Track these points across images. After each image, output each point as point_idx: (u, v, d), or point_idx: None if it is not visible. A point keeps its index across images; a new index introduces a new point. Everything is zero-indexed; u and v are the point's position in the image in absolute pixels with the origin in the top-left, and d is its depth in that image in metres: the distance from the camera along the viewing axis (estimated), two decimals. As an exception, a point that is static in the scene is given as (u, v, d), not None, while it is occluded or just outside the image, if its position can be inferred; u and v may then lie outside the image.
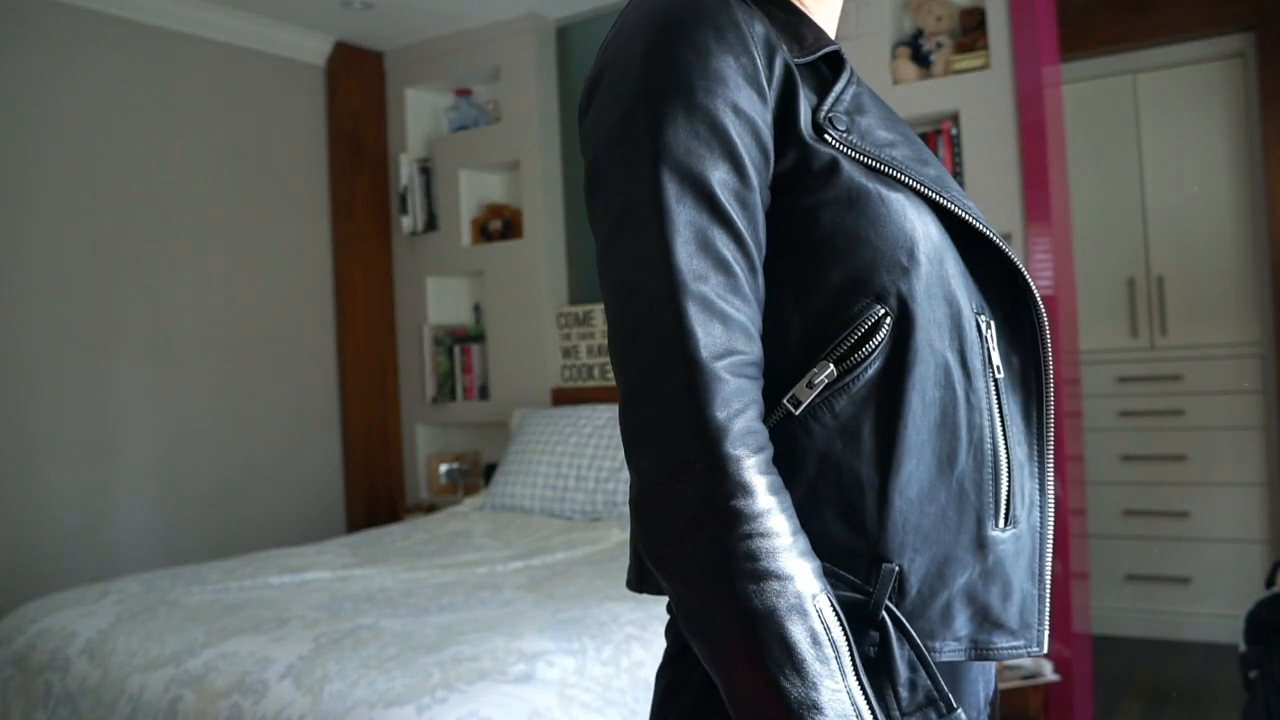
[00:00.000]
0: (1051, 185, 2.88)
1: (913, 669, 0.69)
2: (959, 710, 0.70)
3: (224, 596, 2.37)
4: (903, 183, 0.73)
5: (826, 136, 0.71)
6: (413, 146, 4.14)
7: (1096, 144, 3.84)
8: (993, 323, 0.77)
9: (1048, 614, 0.78)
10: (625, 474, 3.04)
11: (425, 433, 4.18)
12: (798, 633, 0.62)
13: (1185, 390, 3.69)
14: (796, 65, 0.73)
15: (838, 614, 0.64)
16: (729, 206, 0.67)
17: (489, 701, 1.71)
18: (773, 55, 0.71)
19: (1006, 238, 2.93)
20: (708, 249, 0.66)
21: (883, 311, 0.70)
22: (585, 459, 3.25)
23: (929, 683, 0.70)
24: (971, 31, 3.06)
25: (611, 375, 3.63)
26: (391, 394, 4.17)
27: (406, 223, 4.07)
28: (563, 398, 3.80)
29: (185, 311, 3.54)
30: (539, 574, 2.56)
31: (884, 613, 0.69)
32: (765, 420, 0.69)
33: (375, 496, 4.05)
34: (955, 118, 3.03)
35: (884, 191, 0.71)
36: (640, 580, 0.80)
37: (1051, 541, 0.79)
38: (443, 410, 4.07)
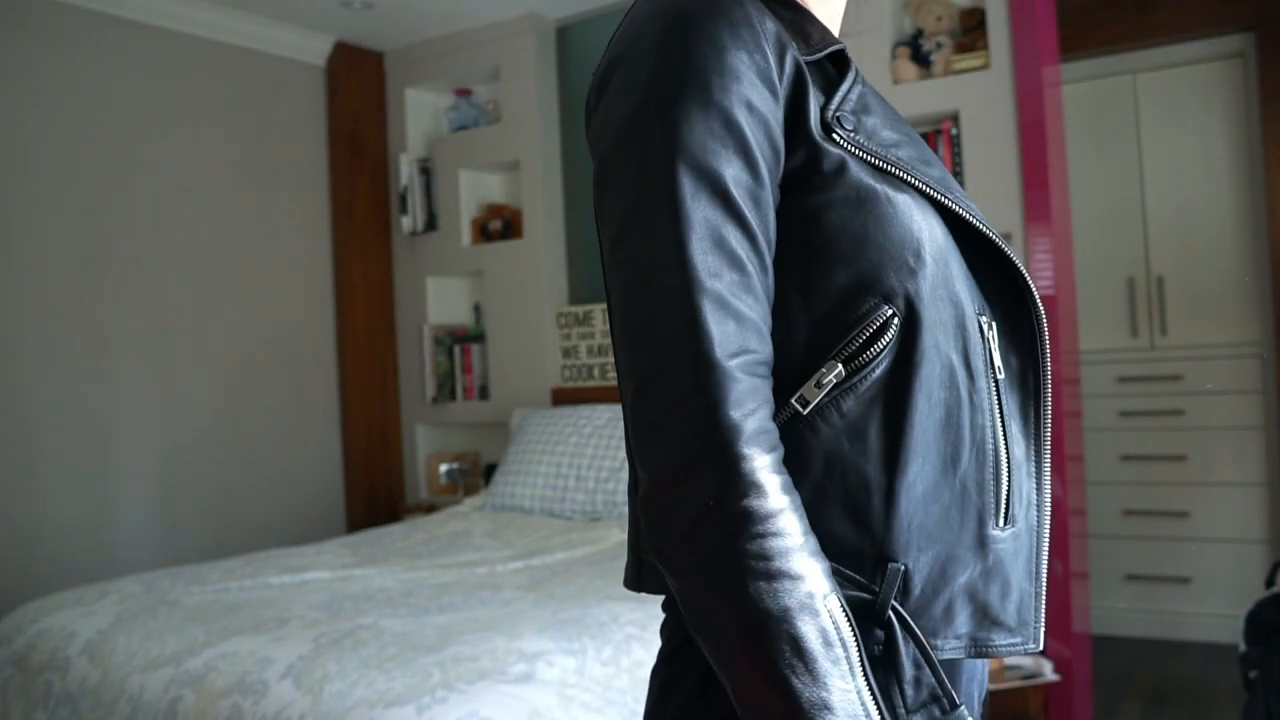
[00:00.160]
0: (1051, 185, 2.88)
1: (917, 667, 0.70)
2: (962, 707, 0.70)
3: (224, 596, 2.37)
4: (908, 183, 0.73)
5: (834, 135, 0.71)
6: (413, 146, 4.14)
7: (1096, 144, 3.84)
8: (994, 324, 0.78)
9: (1044, 612, 0.79)
10: (625, 474, 3.04)
11: (425, 433, 4.18)
12: (809, 632, 0.62)
13: (1185, 390, 3.69)
14: (808, 63, 0.73)
15: (847, 614, 0.65)
16: (743, 204, 0.67)
17: (489, 701, 1.71)
18: (783, 52, 0.71)
19: (1006, 238, 2.93)
20: (721, 246, 0.66)
21: (890, 312, 0.70)
22: (585, 459, 3.25)
23: (933, 680, 0.70)
24: (971, 31, 3.06)
25: (612, 375, 3.63)
26: (391, 394, 4.17)
27: (406, 223, 4.07)
28: (563, 398, 3.80)
29: (185, 311, 3.54)
30: (539, 574, 2.56)
31: (890, 612, 0.69)
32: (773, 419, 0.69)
33: (375, 496, 4.05)
34: (955, 118, 3.03)
35: (890, 192, 0.71)
36: (638, 579, 0.80)
37: (1048, 540, 0.80)
38: (443, 410, 4.07)
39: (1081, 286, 3.39)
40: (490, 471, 3.90)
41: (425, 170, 4.10)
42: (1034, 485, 0.79)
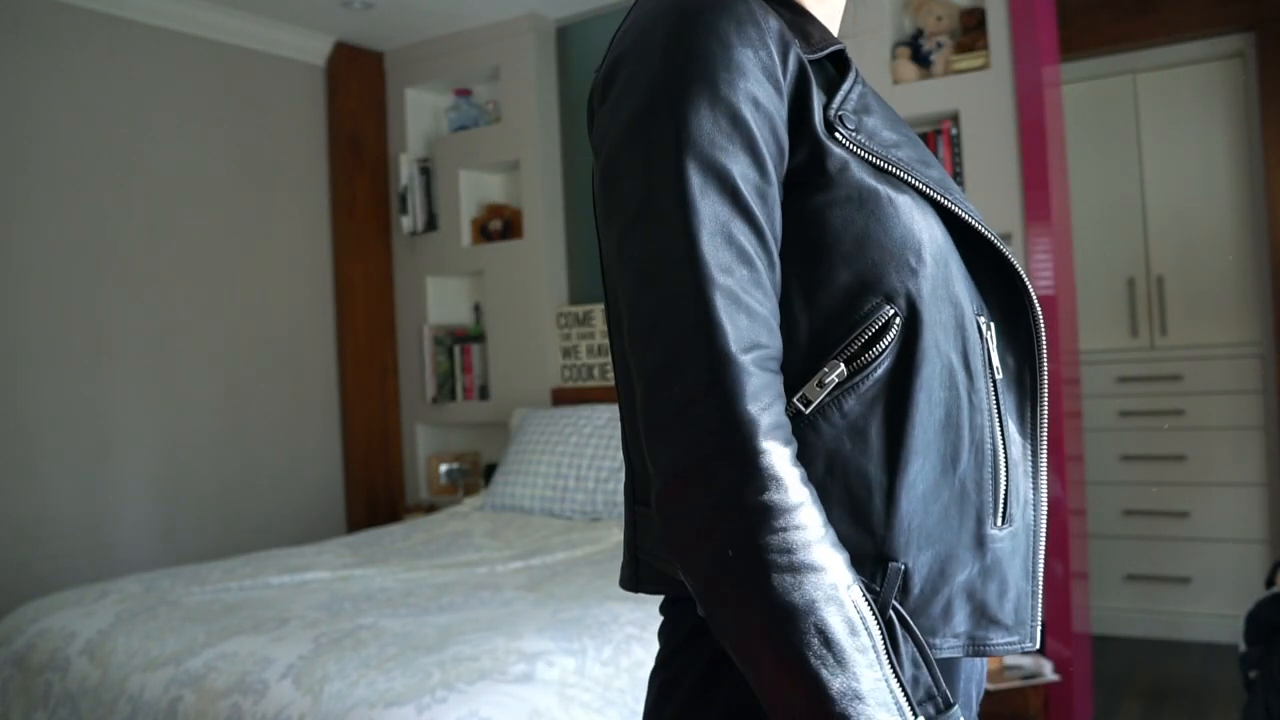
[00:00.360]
0: (1051, 185, 2.88)
1: (916, 666, 0.70)
2: (956, 707, 0.70)
3: (224, 596, 2.37)
4: (909, 184, 0.73)
5: (837, 134, 0.71)
6: (413, 146, 4.14)
7: (1096, 144, 3.84)
8: (992, 324, 0.78)
9: (1041, 611, 0.79)
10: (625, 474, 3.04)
11: (425, 433, 4.18)
12: (836, 623, 0.62)
13: (1185, 390, 3.69)
14: (812, 62, 0.73)
15: (870, 604, 0.65)
16: (751, 200, 0.67)
17: (489, 701, 1.71)
18: (787, 50, 0.71)
19: (1006, 238, 2.93)
20: (731, 242, 0.66)
21: (892, 312, 0.70)
22: (585, 459, 3.25)
23: (929, 680, 0.70)
24: (971, 31, 3.06)
25: (612, 376, 3.63)
26: (391, 394, 4.17)
27: (406, 223, 4.07)
28: (563, 398, 3.80)
29: (185, 311, 3.54)
30: (539, 574, 2.56)
31: (890, 611, 0.69)
32: None
33: (375, 496, 4.05)
34: (955, 118, 3.03)
35: (892, 192, 0.72)
36: (636, 580, 0.80)
37: (1045, 539, 0.80)
38: (443, 410, 4.07)
39: (1081, 286, 3.39)
40: (490, 471, 3.90)
41: (425, 170, 4.10)
42: (1031, 485, 0.79)
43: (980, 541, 0.74)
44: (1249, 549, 3.59)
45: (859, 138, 0.72)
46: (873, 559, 0.70)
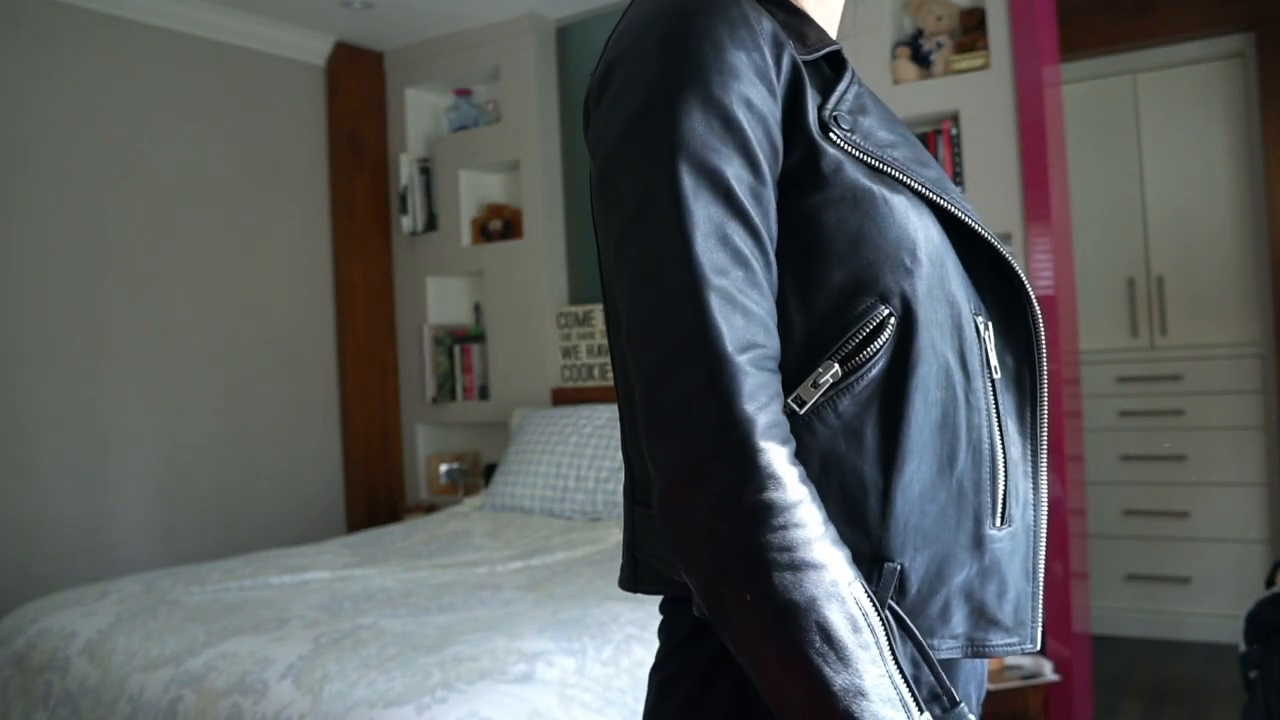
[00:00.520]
0: (1051, 185, 2.88)
1: (915, 666, 0.70)
2: (962, 705, 0.70)
3: (224, 596, 2.37)
4: (904, 184, 0.73)
5: (831, 135, 0.71)
6: (413, 146, 4.14)
7: (1096, 144, 3.84)
8: (990, 324, 0.78)
9: (1041, 611, 0.79)
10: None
11: (425, 433, 4.18)
12: (837, 619, 0.62)
13: (1185, 390, 3.69)
14: (806, 63, 0.74)
15: (872, 601, 0.65)
16: (745, 201, 0.67)
17: (489, 701, 1.71)
18: (781, 51, 0.71)
19: (1006, 238, 2.93)
20: (726, 243, 0.66)
21: (887, 311, 0.70)
22: (585, 459, 3.25)
23: (932, 679, 0.70)
24: (971, 31, 3.06)
25: (611, 376, 3.63)
26: (391, 394, 4.17)
27: (406, 223, 4.07)
28: (563, 398, 3.80)
29: (185, 311, 3.54)
30: (539, 574, 2.56)
31: (887, 611, 0.69)
32: None
33: (375, 496, 4.05)
34: (955, 118, 3.03)
35: (887, 193, 0.72)
36: (634, 580, 0.80)
37: (1045, 540, 0.80)
38: (443, 410, 4.07)
39: (1081, 286, 3.39)
40: (490, 471, 3.90)
41: (425, 170, 4.10)
42: (1030, 485, 0.79)
43: (979, 542, 0.74)
44: (1249, 549, 3.59)
45: (854, 138, 0.72)
46: (868, 559, 0.70)
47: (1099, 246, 3.79)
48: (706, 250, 0.65)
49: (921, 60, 3.13)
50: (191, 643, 2.03)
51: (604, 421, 3.33)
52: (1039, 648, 0.78)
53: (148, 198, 3.44)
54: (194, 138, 3.59)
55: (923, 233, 0.72)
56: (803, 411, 0.70)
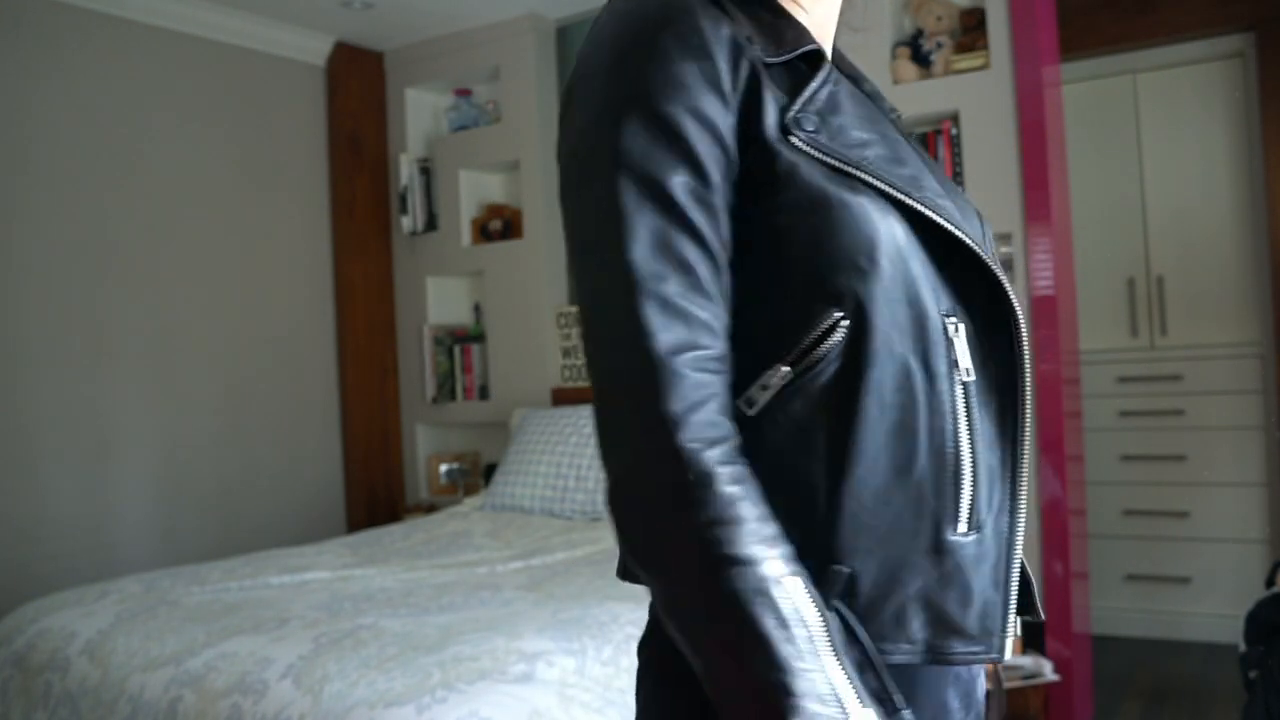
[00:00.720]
0: (1051, 185, 2.88)
1: (861, 670, 0.69)
2: (907, 710, 0.70)
3: (224, 596, 2.37)
4: (869, 184, 0.72)
5: (791, 138, 0.71)
6: (413, 146, 4.14)
7: (1096, 144, 3.84)
8: (962, 325, 0.75)
9: (1013, 621, 0.76)
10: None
11: (425, 433, 4.18)
12: (763, 617, 0.63)
13: (1185, 390, 3.69)
14: (769, 65, 0.73)
15: (811, 595, 0.65)
16: (689, 209, 0.69)
17: (489, 701, 1.71)
18: (739, 58, 0.72)
19: (1006, 238, 2.93)
20: (667, 251, 0.68)
21: (839, 314, 0.70)
22: (585, 459, 3.25)
23: (875, 683, 0.70)
24: (971, 31, 3.06)
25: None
26: (391, 394, 4.17)
27: (406, 223, 4.07)
28: (563, 398, 3.80)
29: (185, 311, 3.54)
30: (539, 574, 2.56)
31: (833, 613, 0.69)
32: None
33: (375, 496, 4.05)
34: (955, 118, 3.03)
35: (846, 195, 0.71)
36: (626, 569, 0.82)
37: (1020, 548, 0.77)
38: (443, 410, 4.08)
39: (1081, 286, 3.38)
40: (490, 471, 3.90)
41: (425, 170, 4.10)
42: (1008, 491, 0.76)
43: (938, 548, 0.72)
44: (1249, 549, 3.59)
45: (819, 138, 0.72)
46: (816, 561, 0.70)
47: (1099, 246, 3.79)
48: (643, 260, 0.67)
49: (921, 60, 3.14)
50: (191, 643, 2.03)
51: (604, 421, 3.33)
52: (1006, 659, 0.77)
53: (148, 198, 3.44)
54: (194, 138, 3.59)
55: (884, 233, 0.71)
56: (752, 412, 0.71)
